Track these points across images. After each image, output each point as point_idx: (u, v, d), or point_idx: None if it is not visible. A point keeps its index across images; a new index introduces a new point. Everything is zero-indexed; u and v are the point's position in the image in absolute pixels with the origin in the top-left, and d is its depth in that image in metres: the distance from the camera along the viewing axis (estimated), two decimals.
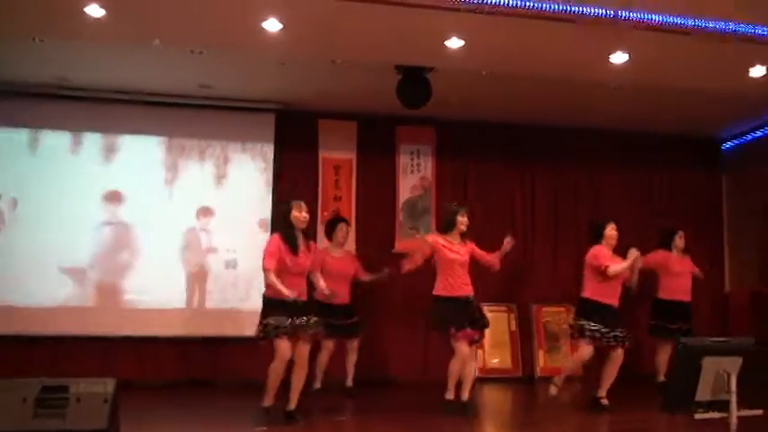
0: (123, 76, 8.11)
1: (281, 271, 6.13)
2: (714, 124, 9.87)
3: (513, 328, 9.51)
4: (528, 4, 6.12)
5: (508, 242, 7.00)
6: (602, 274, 6.93)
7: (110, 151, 8.65)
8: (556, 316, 9.44)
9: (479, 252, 7.04)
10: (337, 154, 9.28)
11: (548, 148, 9.88)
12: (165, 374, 8.45)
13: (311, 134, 9.23)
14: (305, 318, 6.16)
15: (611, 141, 9.98)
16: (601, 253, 7.05)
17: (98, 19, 6.14)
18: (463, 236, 6.93)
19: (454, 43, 6.74)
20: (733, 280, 10.09)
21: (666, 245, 8.32)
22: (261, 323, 6.14)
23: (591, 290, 7.04)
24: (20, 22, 6.38)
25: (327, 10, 6.14)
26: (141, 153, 8.71)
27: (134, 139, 8.71)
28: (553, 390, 7.25)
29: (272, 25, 6.36)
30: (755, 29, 6.53)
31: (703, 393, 4.39)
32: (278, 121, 9.07)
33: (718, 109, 9.03)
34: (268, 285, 6.14)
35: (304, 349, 6.19)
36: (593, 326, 6.88)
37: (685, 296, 8.22)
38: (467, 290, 6.82)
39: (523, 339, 9.53)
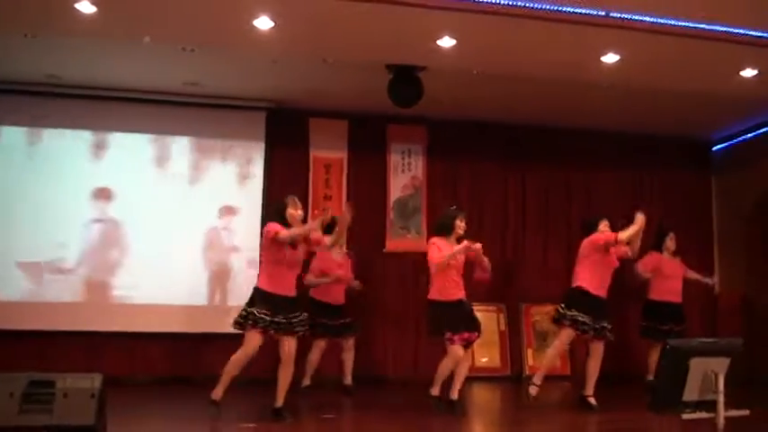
0: (114, 73, 8.09)
1: (277, 261, 6.10)
2: (705, 126, 9.90)
3: (503, 327, 9.54)
4: (520, 3, 6.13)
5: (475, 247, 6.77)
6: (607, 249, 6.92)
7: (100, 148, 8.63)
8: (545, 315, 9.43)
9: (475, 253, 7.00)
10: (328, 153, 9.27)
11: (539, 148, 9.90)
12: (153, 371, 8.46)
13: (302, 133, 9.22)
14: (289, 316, 6.11)
15: (603, 142, 10.00)
16: (602, 234, 7.05)
17: (89, 15, 6.12)
18: (459, 240, 6.89)
19: (446, 42, 6.74)
20: (722, 282, 10.11)
21: (657, 246, 8.36)
22: (243, 311, 6.10)
23: (584, 279, 6.99)
24: (10, 18, 6.34)
25: (319, 8, 6.14)
26: (131, 150, 8.69)
27: (124, 136, 8.70)
28: (533, 390, 7.07)
29: (264, 23, 6.35)
30: (746, 31, 6.54)
31: (691, 394, 4.40)
32: (269, 119, 9.06)
33: (708, 111, 9.07)
34: (279, 247, 6.10)
35: (291, 347, 6.13)
36: (579, 316, 6.87)
37: (676, 298, 8.25)
38: (460, 294, 6.79)
39: (512, 338, 9.55)
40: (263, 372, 6.93)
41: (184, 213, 8.72)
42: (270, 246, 6.14)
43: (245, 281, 8.26)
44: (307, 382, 7.78)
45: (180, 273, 8.60)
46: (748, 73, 7.32)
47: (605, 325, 6.95)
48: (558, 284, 9.40)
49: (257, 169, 8.99)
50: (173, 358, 8.51)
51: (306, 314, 6.35)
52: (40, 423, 4.28)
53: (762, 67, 7.20)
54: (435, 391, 6.80)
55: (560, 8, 6.18)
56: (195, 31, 6.73)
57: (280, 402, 6.17)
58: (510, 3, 6.11)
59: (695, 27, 6.44)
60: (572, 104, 8.89)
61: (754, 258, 9.62)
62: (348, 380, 8.01)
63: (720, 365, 4.38)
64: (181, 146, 8.85)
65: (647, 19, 6.35)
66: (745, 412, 4.49)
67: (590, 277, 7.00)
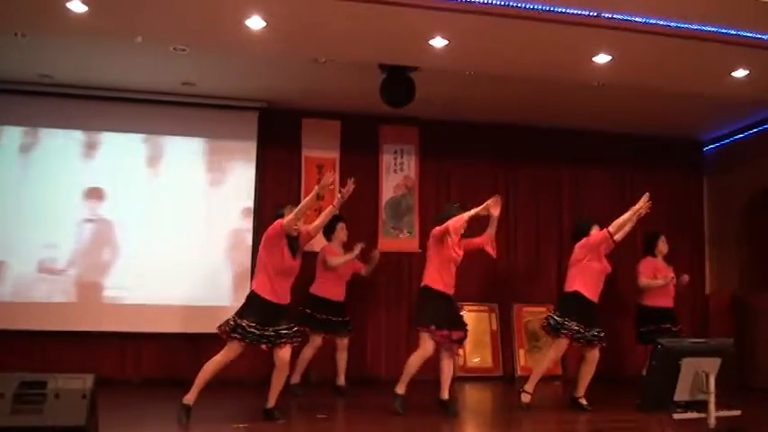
0: (106, 73, 8.07)
1: (274, 269, 6.05)
2: (697, 126, 9.93)
3: (495, 327, 9.54)
4: (511, 3, 6.13)
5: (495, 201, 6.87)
6: (605, 244, 6.94)
7: (92, 148, 8.61)
8: (537, 315, 9.44)
9: (472, 242, 6.97)
10: (320, 153, 9.27)
11: (531, 148, 9.91)
12: (145, 371, 8.47)
13: (294, 133, 9.22)
14: (278, 327, 6.01)
15: (595, 142, 10.03)
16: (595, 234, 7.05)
17: (80, 14, 6.10)
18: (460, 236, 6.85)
19: (438, 42, 6.74)
20: (714, 282, 10.15)
21: (650, 250, 8.37)
22: (233, 320, 5.98)
23: (579, 284, 6.98)
24: (1, 17, 6.32)
25: (311, 8, 6.13)
26: (123, 150, 8.67)
27: (116, 136, 8.67)
28: (525, 398, 7.02)
29: (256, 23, 6.33)
30: (738, 32, 6.55)
31: (682, 394, 4.42)
32: (261, 119, 9.05)
33: (700, 111, 9.10)
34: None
35: (285, 354, 6.07)
36: (574, 326, 6.85)
37: (670, 302, 8.26)
38: (451, 290, 6.77)
39: (504, 339, 9.56)
40: (248, 372, 6.91)
41: (176, 213, 8.70)
42: (270, 246, 6.10)
43: (232, 281, 8.56)
44: (296, 379, 7.72)
45: (172, 273, 8.57)
46: (740, 73, 7.33)
47: (597, 332, 6.95)
48: (549, 284, 9.47)
49: (249, 170, 8.97)
50: (165, 359, 8.49)
51: (296, 327, 6.25)
52: (32, 424, 4.28)
53: (753, 68, 7.22)
54: (401, 389, 6.73)
55: (552, 8, 6.19)
56: (187, 30, 6.72)
57: (272, 403, 6.15)
58: (501, 3, 6.11)
59: (686, 28, 6.45)
60: (563, 105, 8.91)
61: (746, 259, 9.65)
62: (341, 380, 8.00)
63: (711, 366, 4.40)
64: (173, 146, 8.82)
65: (639, 19, 6.35)
66: (737, 412, 4.51)
67: (585, 281, 6.98)
